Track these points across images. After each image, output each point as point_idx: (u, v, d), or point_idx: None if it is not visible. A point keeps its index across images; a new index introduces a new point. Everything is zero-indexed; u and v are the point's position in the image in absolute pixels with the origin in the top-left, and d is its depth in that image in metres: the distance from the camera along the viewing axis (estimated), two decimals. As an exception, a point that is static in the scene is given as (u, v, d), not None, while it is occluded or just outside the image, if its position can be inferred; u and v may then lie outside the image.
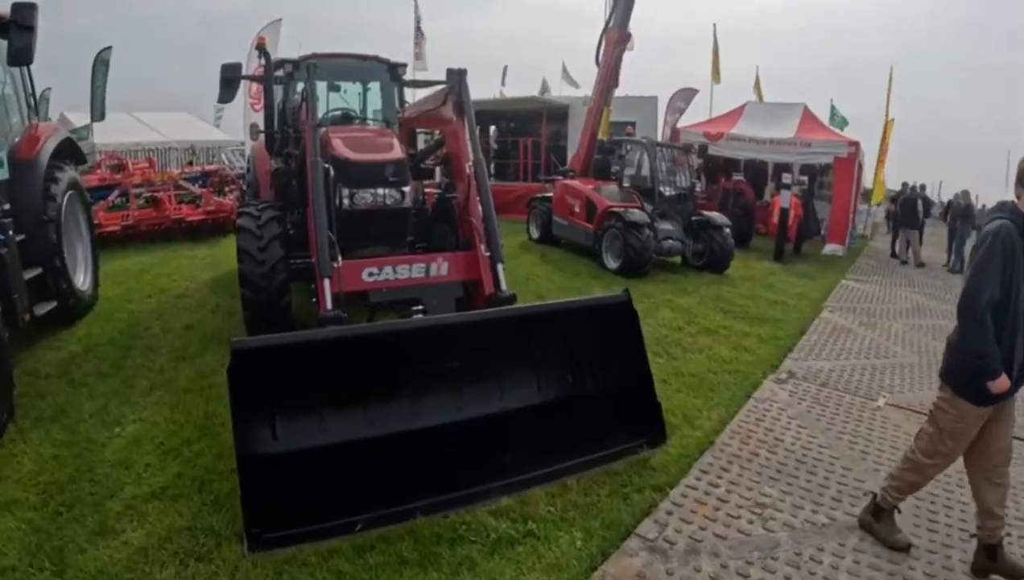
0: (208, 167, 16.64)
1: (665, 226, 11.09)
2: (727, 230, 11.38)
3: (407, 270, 5.59)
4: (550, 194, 13.04)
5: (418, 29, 23.44)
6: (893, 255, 17.68)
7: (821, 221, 16.75)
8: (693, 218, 11.54)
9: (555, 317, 4.77)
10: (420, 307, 5.33)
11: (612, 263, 10.63)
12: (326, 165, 5.46)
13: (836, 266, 14.22)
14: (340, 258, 5.18)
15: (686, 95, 19.83)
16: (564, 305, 5.03)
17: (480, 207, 5.67)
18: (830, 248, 16.00)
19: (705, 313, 8.57)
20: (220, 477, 3.97)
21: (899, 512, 3.91)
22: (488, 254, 5.53)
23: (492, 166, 20.59)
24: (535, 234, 13.45)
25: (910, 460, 3.73)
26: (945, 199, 31.77)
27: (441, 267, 5.70)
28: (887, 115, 19.13)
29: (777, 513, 4.09)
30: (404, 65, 7.75)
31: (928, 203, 20.03)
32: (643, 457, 4.49)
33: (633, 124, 17.45)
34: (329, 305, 4.86)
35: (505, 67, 28.81)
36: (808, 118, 17.08)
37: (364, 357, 4.03)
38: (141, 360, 5.97)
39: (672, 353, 6.87)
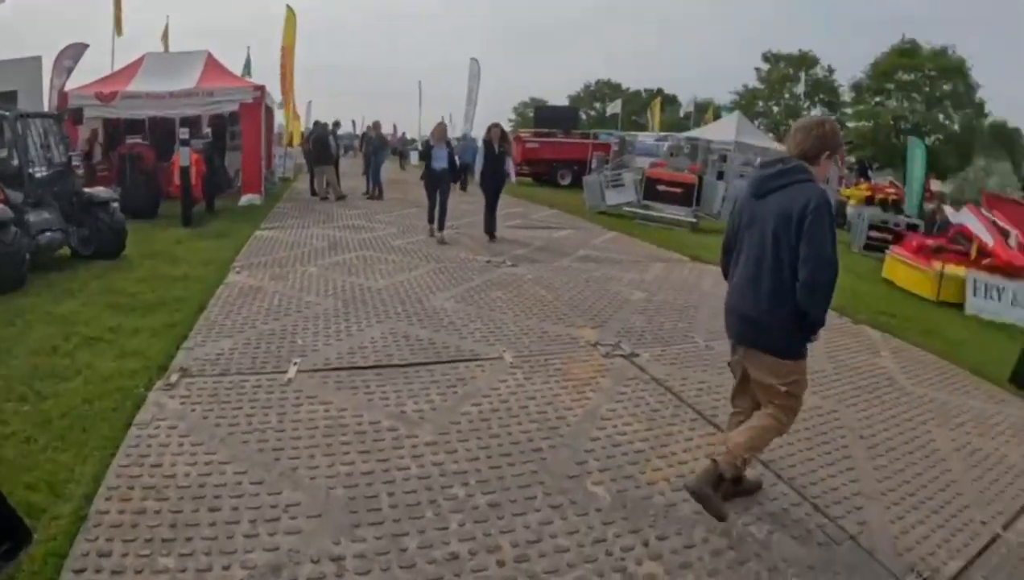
0: None
1: (41, 216, 9.12)
2: (115, 205, 10.05)
3: None
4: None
5: None
6: (313, 193, 18.95)
7: (236, 172, 16.72)
8: (75, 198, 9.79)
9: None
10: None
11: (-23, 282, 8.16)
12: None
13: (253, 217, 14.17)
14: None
15: (74, 52, 17.18)
16: None
17: None
18: (246, 198, 16.03)
19: (90, 316, 7.16)
20: None
21: None
22: None
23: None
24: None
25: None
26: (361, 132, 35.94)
27: None
28: (284, 55, 20.01)
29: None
30: None
31: (339, 139, 22.08)
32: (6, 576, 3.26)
33: (15, 94, 14.06)
34: None
35: None
36: (212, 66, 16.45)
37: None
38: None
39: (41, 391, 5.14)
